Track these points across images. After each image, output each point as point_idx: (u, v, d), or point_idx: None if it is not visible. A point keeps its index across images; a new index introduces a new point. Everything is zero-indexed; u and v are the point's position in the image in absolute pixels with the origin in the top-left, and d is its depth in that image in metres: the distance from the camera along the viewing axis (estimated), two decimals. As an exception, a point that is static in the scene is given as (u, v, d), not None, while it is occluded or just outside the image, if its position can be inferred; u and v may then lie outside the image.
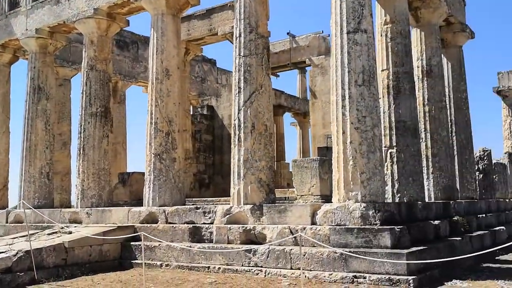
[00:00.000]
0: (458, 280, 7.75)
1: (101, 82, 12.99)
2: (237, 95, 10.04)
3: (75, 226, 11.80)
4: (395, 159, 10.35)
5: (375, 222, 8.10)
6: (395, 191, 10.32)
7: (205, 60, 22.03)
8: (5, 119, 15.96)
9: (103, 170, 12.71)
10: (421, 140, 12.28)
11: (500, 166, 17.90)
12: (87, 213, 12.22)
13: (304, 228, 8.60)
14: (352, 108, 8.58)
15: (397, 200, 10.25)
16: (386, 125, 10.53)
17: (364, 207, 8.22)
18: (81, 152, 12.71)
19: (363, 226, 8.09)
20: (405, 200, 10.15)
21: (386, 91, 10.65)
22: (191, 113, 19.39)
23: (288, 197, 13.23)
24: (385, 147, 10.51)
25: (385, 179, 10.33)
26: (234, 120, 10.08)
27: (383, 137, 10.51)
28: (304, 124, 24.47)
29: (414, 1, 12.44)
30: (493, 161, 17.71)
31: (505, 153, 20.81)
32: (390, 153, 10.41)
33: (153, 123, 11.32)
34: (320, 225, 8.64)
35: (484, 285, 7.42)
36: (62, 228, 11.41)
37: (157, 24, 11.63)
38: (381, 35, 10.84)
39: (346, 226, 8.24)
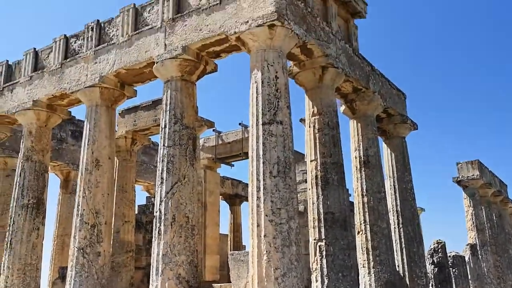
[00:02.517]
0: None
1: (36, 173, 12.72)
2: (159, 186, 9.80)
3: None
4: (324, 253, 9.94)
5: (288, 323, 7.54)
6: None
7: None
8: None
9: (30, 265, 12.05)
10: (360, 233, 11.99)
11: (458, 259, 17.41)
12: (6, 313, 11.39)
13: (215, 330, 7.98)
14: (267, 200, 8.34)
15: (327, 297, 9.70)
16: (315, 217, 10.26)
17: (277, 306, 7.70)
18: (8, 246, 12.12)
19: (275, 327, 7.52)
20: (336, 297, 9.61)
21: (315, 182, 10.51)
22: (145, 202, 19.00)
23: (225, 293, 12.51)
24: (314, 240, 10.17)
25: (315, 274, 9.88)
26: (156, 212, 9.74)
27: (312, 229, 10.23)
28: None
29: (349, 93, 12.75)
30: (451, 254, 17.28)
31: (467, 245, 20.41)
32: (319, 246, 10.04)
33: (79, 215, 10.93)
34: (233, 326, 8.02)
35: None
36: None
37: (91, 115, 11.65)
38: (309, 126, 10.91)
39: (258, 327, 7.65)
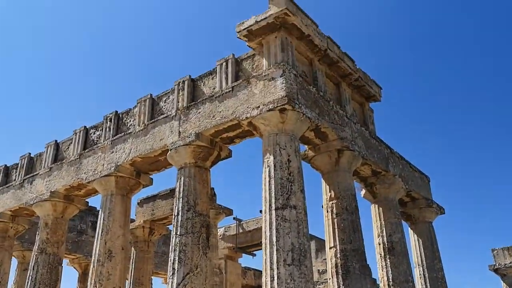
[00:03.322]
0: None
1: (49, 266, 12.44)
2: (170, 277, 9.35)
3: None
4: None
5: None
6: None
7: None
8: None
9: None
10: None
11: None
12: None
13: None
14: (281, 291, 7.79)
15: None
16: (337, 309, 9.52)
17: None
18: None
19: None
20: None
21: (335, 270, 9.88)
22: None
23: None
24: (337, 335, 9.36)
25: None
26: (166, 306, 9.21)
27: (334, 323, 9.45)
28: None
29: (369, 177, 12.42)
30: None
31: None
32: None
33: (89, 310, 10.44)
34: None
35: None
36: None
37: (105, 204, 11.55)
38: (327, 211, 10.50)
39: None
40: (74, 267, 19.01)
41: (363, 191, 12.82)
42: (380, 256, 11.86)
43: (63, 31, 49.64)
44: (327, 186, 10.74)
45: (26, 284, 12.32)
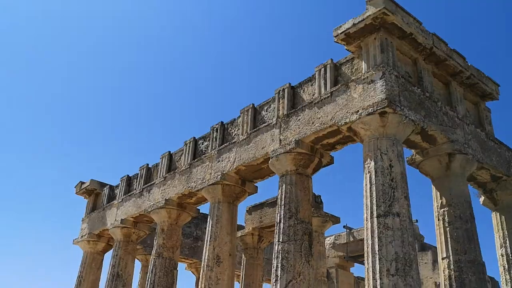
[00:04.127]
0: None
1: (165, 269, 13.21)
2: (274, 284, 9.40)
3: None
4: None
5: None
6: None
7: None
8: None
9: None
10: None
11: None
12: None
13: None
14: (385, 302, 7.43)
15: None
16: (451, 325, 8.84)
17: None
18: None
19: None
20: None
21: (448, 283, 9.19)
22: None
23: None
24: None
25: None
26: (270, 313, 9.28)
27: None
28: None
29: (488, 182, 11.45)
30: None
31: None
32: None
33: (199, 313, 10.88)
34: None
35: None
36: None
37: (213, 212, 11.99)
38: (438, 219, 9.82)
39: None
40: (192, 272, 19.98)
41: (482, 198, 11.81)
42: (504, 269, 10.81)
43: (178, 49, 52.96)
44: (438, 193, 10.07)
45: (146, 286, 13.20)
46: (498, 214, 11.40)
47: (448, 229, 9.58)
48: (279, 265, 9.47)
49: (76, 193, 17.96)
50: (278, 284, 9.30)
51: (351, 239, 18.54)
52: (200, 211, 14.86)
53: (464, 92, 11.15)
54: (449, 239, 9.49)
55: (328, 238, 18.97)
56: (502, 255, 10.99)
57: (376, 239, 7.94)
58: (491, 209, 11.68)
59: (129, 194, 15.67)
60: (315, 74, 10.50)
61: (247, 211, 16.19)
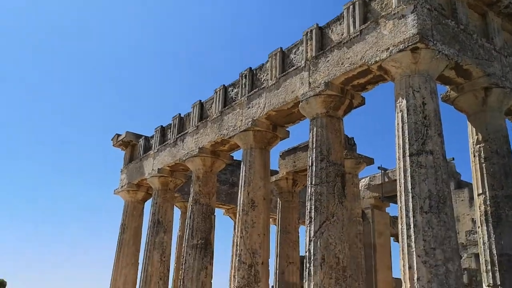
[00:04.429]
0: None
1: (203, 215, 13.60)
2: (308, 225, 9.59)
3: None
4: (501, 302, 8.46)
5: None
6: None
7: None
8: (135, 251, 17.31)
9: (199, 303, 12.72)
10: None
11: None
12: None
13: None
14: (418, 239, 7.49)
15: None
16: (487, 259, 8.86)
17: None
18: (181, 284, 13.03)
19: None
20: None
21: (484, 218, 9.15)
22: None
23: None
24: (488, 286, 8.75)
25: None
26: (306, 252, 9.51)
27: (484, 273, 8.86)
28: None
29: (526, 115, 11.05)
30: None
31: None
32: (494, 294, 8.58)
33: (237, 255, 11.26)
34: None
35: None
36: None
37: (246, 158, 12.13)
38: (474, 156, 9.65)
39: None
40: (230, 217, 20.53)
41: (521, 133, 11.47)
42: (542, 203, 10.60)
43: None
44: (473, 129, 9.84)
45: (185, 231, 13.69)
46: (537, 148, 11.07)
47: (484, 165, 9.42)
48: (313, 207, 9.60)
49: (113, 145, 18.44)
50: (312, 225, 9.46)
51: (386, 179, 18.49)
52: (234, 158, 15.07)
53: (502, 23, 10.61)
54: (485, 175, 9.35)
55: (363, 180, 19.00)
56: (541, 190, 10.76)
57: (409, 177, 7.90)
58: (530, 143, 11.34)
59: (164, 144, 15.97)
60: (343, 12, 10.17)
61: (280, 156, 16.30)
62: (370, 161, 14.90)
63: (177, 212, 19.34)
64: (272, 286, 15.44)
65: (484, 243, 8.99)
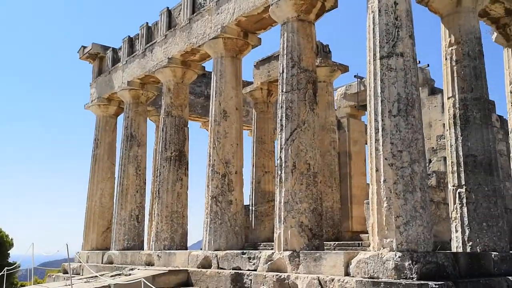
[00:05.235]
0: None
1: (176, 128, 13.46)
2: (279, 133, 9.54)
3: (145, 268, 12.13)
4: (464, 201, 8.74)
5: (411, 276, 6.79)
6: (465, 239, 8.66)
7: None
8: (110, 165, 17.28)
9: (176, 212, 12.95)
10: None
11: None
12: (158, 255, 12.48)
13: (333, 280, 7.59)
14: (386, 142, 7.51)
15: (468, 249, 8.57)
16: (453, 160, 9.04)
17: (399, 257, 6.98)
18: (156, 195, 13.18)
19: (396, 280, 6.84)
20: (479, 250, 8.44)
21: (453, 121, 9.20)
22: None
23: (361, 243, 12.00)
24: (453, 186, 9.01)
25: (455, 224, 8.81)
26: (277, 160, 9.56)
27: (450, 174, 9.07)
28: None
29: (501, 17, 10.84)
30: None
31: None
32: (459, 193, 8.84)
33: (210, 165, 11.30)
34: (353, 276, 7.54)
35: None
36: (131, 269, 11.81)
37: (216, 67, 11.80)
38: (445, 59, 9.50)
39: (377, 279, 7.05)
40: (206, 129, 20.47)
41: (495, 35, 11.30)
42: None
43: None
44: (447, 31, 9.60)
45: (158, 143, 13.62)
46: (509, 50, 11.01)
47: (455, 68, 9.30)
48: (284, 114, 9.50)
49: (80, 58, 17.75)
50: (284, 133, 9.42)
51: (362, 88, 18.38)
52: (207, 69, 14.68)
53: None
54: (455, 78, 9.26)
55: (339, 89, 18.88)
56: (511, 92, 10.82)
57: (379, 81, 7.76)
58: (502, 45, 11.23)
59: (132, 55, 15.41)
60: None
61: (254, 66, 15.94)
62: (345, 69, 14.70)
63: (152, 126, 19.23)
64: (249, 195, 15.78)
65: (451, 145, 9.11)
